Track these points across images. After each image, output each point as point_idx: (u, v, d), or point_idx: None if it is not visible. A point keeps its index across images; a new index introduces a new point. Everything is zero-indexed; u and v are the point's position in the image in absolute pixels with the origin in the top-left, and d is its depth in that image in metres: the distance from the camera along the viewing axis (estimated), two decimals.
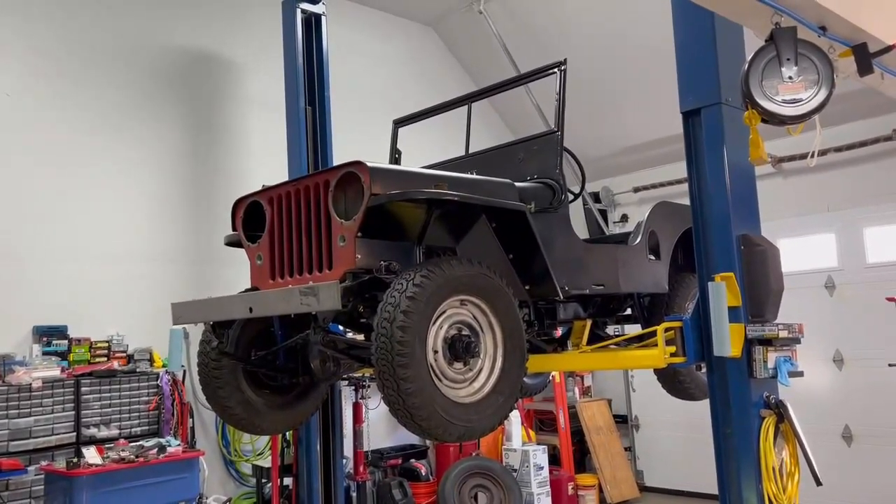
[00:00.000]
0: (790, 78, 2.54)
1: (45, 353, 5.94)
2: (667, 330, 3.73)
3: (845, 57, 2.71)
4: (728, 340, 3.55)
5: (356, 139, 7.60)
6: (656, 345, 3.71)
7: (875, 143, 7.67)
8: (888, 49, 2.74)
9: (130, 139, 6.98)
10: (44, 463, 5.42)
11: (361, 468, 7.04)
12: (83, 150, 6.66)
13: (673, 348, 3.73)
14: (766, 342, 3.59)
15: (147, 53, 7.22)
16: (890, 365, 6.27)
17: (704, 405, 3.97)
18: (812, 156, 2.97)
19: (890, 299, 6.28)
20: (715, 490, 3.77)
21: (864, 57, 2.68)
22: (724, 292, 3.59)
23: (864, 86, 3.04)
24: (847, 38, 2.70)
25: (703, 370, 4.21)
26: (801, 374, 3.66)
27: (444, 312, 2.99)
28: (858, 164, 7.85)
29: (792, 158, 7.97)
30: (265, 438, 6.98)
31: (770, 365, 3.57)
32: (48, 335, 6.08)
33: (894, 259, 7.51)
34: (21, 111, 6.35)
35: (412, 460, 8.10)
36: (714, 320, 3.62)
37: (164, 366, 6.41)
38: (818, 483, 3.56)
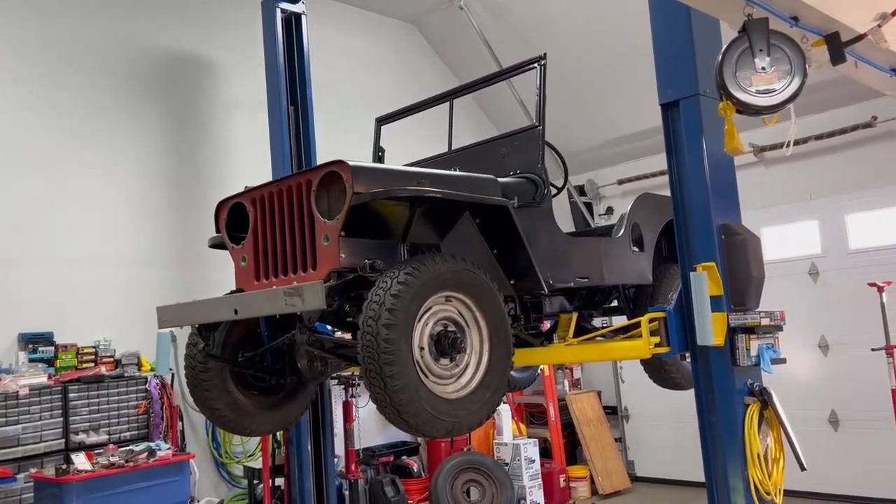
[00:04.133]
0: (763, 69, 2.57)
1: (31, 360, 5.92)
2: (651, 321, 3.76)
3: (818, 46, 2.74)
4: (711, 329, 3.59)
5: (339, 138, 7.61)
6: (641, 336, 3.74)
7: (855, 131, 7.73)
8: (860, 38, 2.76)
9: (112, 142, 6.94)
10: (33, 470, 5.39)
11: (353, 466, 7.05)
12: (64, 153, 6.62)
13: (657, 339, 3.77)
14: (749, 330, 3.64)
15: (127, 55, 7.18)
16: (873, 349, 6.34)
17: (692, 394, 4.00)
18: (788, 145, 3.01)
19: (871, 284, 6.35)
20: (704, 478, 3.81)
21: (837, 46, 2.71)
22: (705, 282, 3.63)
23: (839, 75, 3.07)
24: (819, 28, 2.73)
25: (689, 359, 4.25)
26: (783, 360, 3.71)
27: (429, 309, 3.01)
28: (839, 152, 7.92)
29: (773, 147, 8.02)
30: (256, 440, 6.97)
31: (753, 353, 3.61)
32: (34, 342, 6.04)
33: (876, 245, 7.59)
34: (0, 114, 6.30)
35: (404, 457, 8.12)
36: (697, 310, 3.66)
37: (151, 370, 6.39)
38: (802, 468, 3.61)
